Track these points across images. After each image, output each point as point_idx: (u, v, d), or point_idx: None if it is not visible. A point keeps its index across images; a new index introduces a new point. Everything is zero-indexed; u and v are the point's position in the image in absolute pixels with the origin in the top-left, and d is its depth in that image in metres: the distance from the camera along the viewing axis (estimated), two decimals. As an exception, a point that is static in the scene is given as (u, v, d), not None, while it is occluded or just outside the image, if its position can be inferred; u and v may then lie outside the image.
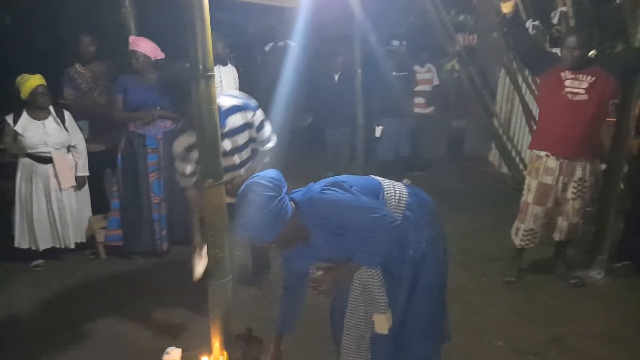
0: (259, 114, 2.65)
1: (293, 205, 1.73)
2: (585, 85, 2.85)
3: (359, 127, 5.22)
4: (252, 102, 2.65)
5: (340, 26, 5.29)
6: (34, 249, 3.52)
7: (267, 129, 2.70)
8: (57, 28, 5.43)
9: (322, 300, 2.07)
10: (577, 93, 2.88)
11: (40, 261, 3.60)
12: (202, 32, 1.69)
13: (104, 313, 2.95)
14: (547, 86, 3.09)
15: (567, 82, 2.90)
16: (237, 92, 2.74)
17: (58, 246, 3.58)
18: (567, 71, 2.91)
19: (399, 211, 1.80)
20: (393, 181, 1.91)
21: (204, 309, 2.06)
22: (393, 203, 1.81)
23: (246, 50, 6.12)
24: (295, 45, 4.81)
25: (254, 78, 5.26)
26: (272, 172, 1.72)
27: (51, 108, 3.47)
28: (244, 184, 1.71)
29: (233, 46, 4.32)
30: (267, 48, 5.62)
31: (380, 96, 5.09)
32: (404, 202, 1.83)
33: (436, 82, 5.75)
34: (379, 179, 1.90)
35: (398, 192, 1.84)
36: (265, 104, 4.84)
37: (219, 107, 2.46)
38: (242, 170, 2.67)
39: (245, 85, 4.39)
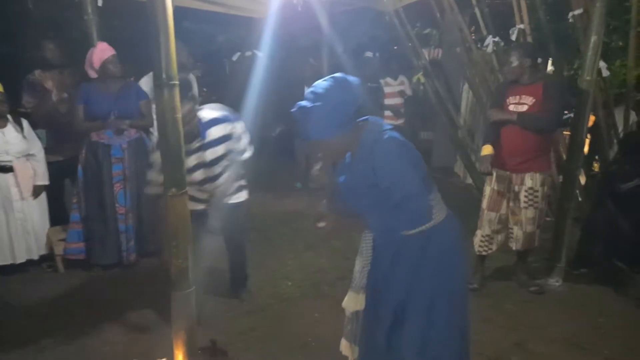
0: (239, 126, 2.78)
1: (362, 124, 1.68)
2: (525, 108, 2.99)
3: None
4: (232, 115, 2.77)
5: (310, 37, 5.34)
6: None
7: (245, 140, 2.83)
8: (17, 34, 5.27)
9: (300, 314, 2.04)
10: None
11: (-7, 275, 3.44)
12: (165, 41, 1.69)
13: (64, 326, 2.84)
14: None
15: (511, 107, 3.05)
16: (217, 105, 2.81)
17: (19, 261, 3.42)
18: (511, 97, 3.06)
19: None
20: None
21: (168, 320, 2.02)
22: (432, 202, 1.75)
23: (215, 59, 6.09)
24: (262, 55, 4.83)
25: (221, 87, 5.24)
26: (357, 80, 1.67)
27: (9, 116, 3.36)
28: (331, 75, 1.67)
29: (202, 55, 4.28)
30: (234, 58, 5.61)
31: None
32: (440, 216, 1.77)
33: (409, 92, 5.77)
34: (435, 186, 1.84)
35: (441, 205, 1.80)
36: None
37: (199, 120, 2.59)
38: (221, 180, 2.71)
39: (212, 94, 4.38)
